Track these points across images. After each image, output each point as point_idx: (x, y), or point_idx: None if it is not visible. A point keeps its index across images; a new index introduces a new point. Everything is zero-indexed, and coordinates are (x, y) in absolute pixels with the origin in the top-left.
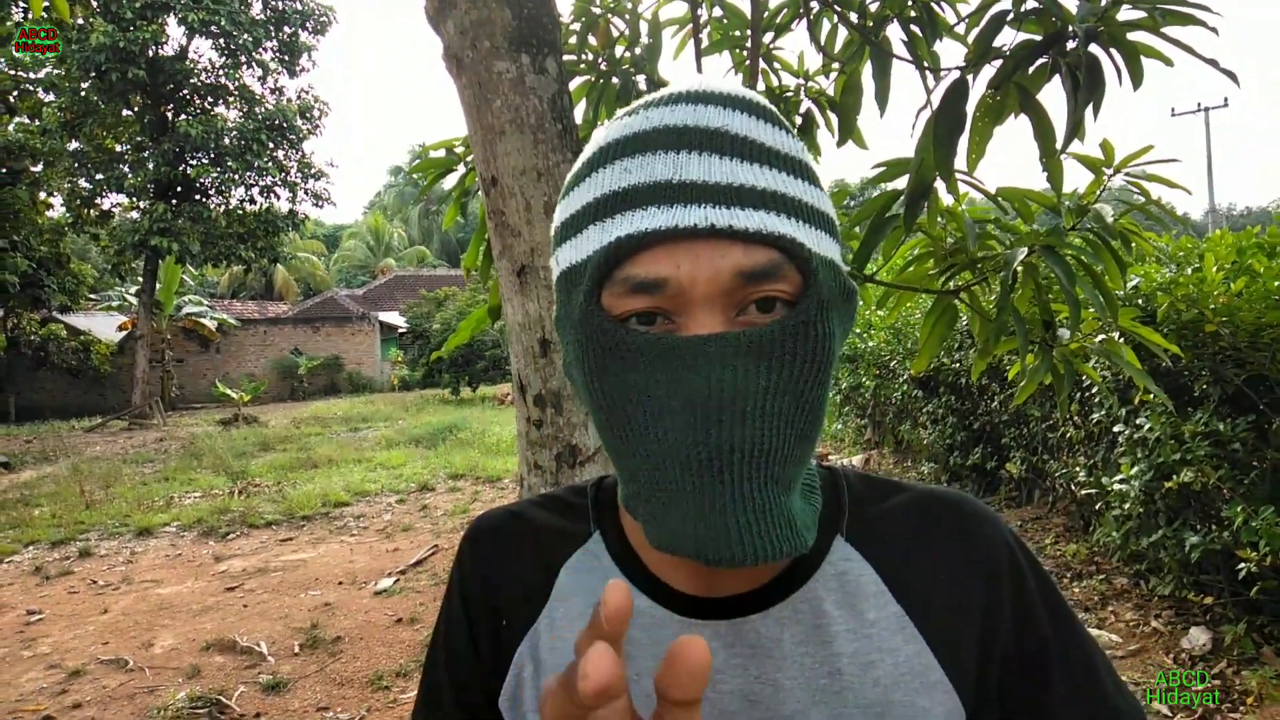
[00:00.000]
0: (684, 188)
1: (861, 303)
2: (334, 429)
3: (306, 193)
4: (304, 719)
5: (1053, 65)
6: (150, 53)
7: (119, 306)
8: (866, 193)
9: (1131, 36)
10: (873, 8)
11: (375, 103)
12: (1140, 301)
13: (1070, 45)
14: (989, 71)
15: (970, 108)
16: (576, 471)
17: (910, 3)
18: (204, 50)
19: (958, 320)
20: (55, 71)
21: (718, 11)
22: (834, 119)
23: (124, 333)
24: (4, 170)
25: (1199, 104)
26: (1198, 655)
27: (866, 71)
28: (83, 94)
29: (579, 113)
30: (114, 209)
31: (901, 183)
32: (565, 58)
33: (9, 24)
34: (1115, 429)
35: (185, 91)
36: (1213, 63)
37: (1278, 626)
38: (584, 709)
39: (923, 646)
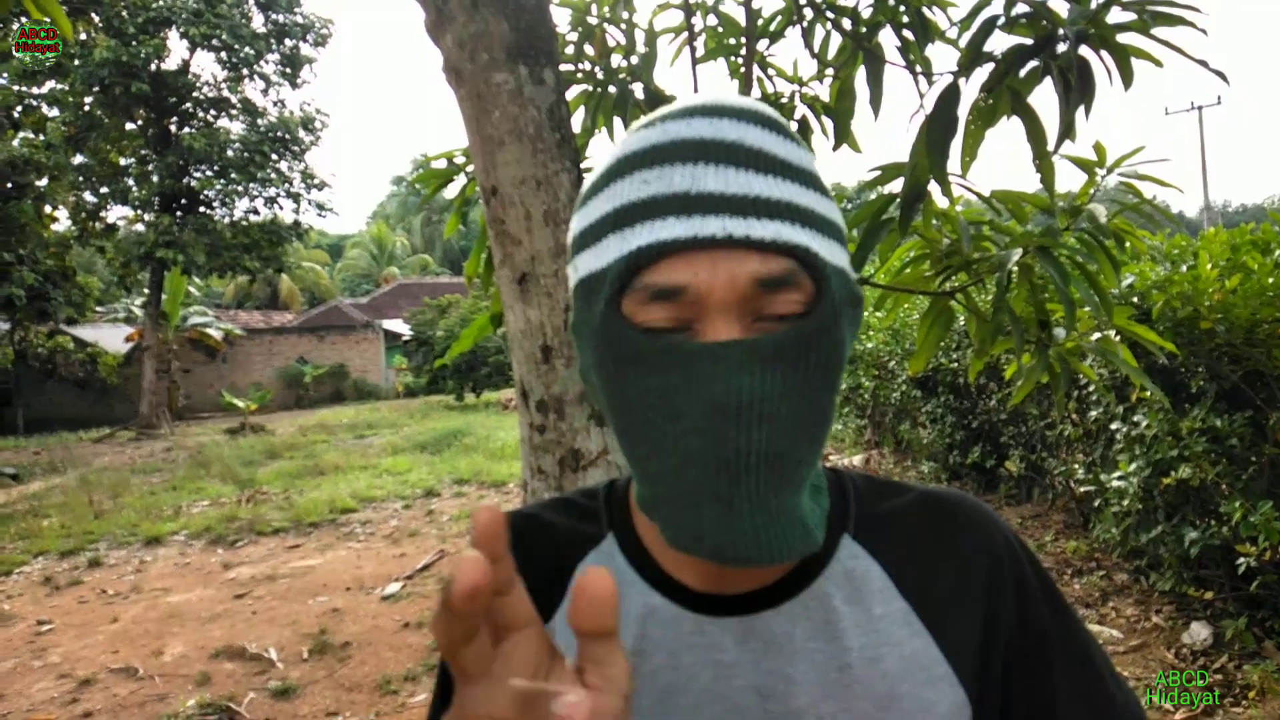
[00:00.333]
0: (702, 199)
1: None
2: (340, 436)
3: (310, 203)
4: None
5: (1044, 68)
6: (153, 67)
7: (125, 318)
8: (862, 196)
9: (1121, 38)
10: (865, 14)
11: (377, 113)
12: (1135, 300)
13: (1061, 48)
14: (981, 75)
15: (963, 111)
16: (579, 476)
17: (903, 8)
18: (206, 64)
19: (954, 321)
20: (59, 86)
21: (713, 20)
22: (829, 124)
23: (131, 344)
24: (9, 185)
25: (1192, 103)
26: (1199, 650)
27: (860, 77)
28: (86, 108)
29: (576, 122)
30: (119, 222)
31: (896, 186)
32: (562, 68)
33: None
34: (1113, 426)
35: (188, 105)
36: (1202, 63)
37: (1278, 621)
38: (461, 618)
39: (928, 641)
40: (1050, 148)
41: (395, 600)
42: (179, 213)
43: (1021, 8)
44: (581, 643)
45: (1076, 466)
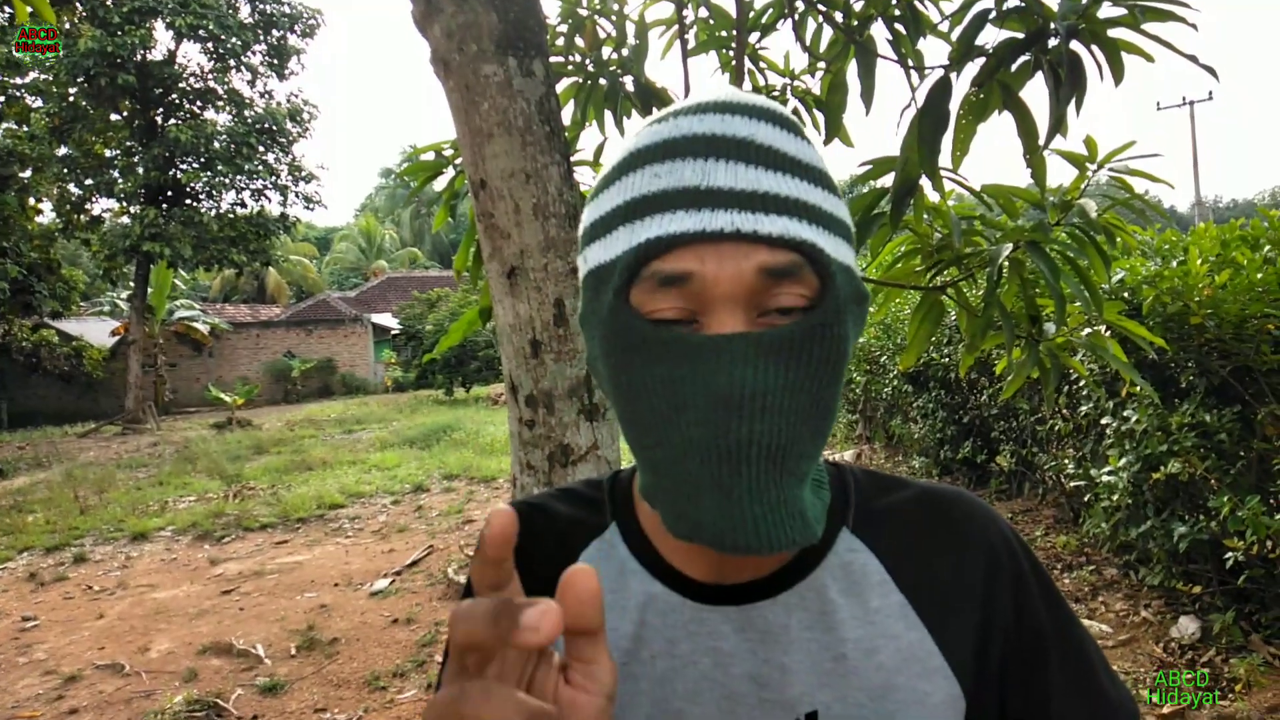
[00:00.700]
0: (711, 193)
1: None
2: (328, 431)
3: (297, 196)
4: None
5: (1035, 62)
6: (138, 57)
7: (111, 312)
8: (854, 190)
9: (1112, 33)
10: (857, 7)
11: (366, 105)
12: (1126, 295)
13: (1052, 42)
14: (972, 69)
15: (954, 106)
16: (569, 471)
17: (894, 1)
18: (192, 55)
19: (945, 316)
20: (43, 77)
21: (703, 12)
22: (820, 118)
23: (116, 338)
24: None
25: (1184, 98)
26: (1187, 644)
27: (852, 70)
28: (71, 99)
29: (566, 115)
30: (104, 214)
31: (887, 180)
32: (552, 60)
33: None
34: (1103, 421)
35: (174, 96)
36: (1192, 58)
37: (1265, 614)
38: (494, 563)
39: (924, 634)
40: (1041, 142)
41: (384, 596)
42: (165, 205)
43: (1013, 1)
44: (568, 641)
45: (1067, 461)
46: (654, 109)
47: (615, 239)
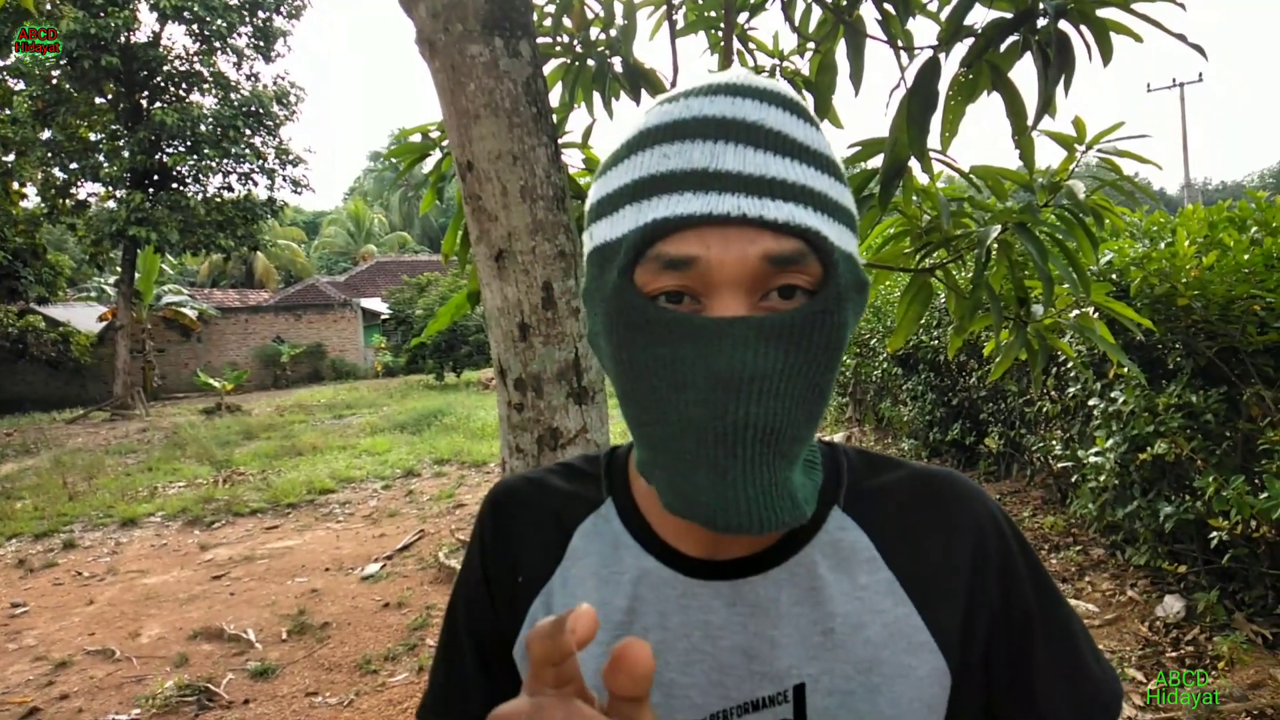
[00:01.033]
0: (719, 176)
1: None
2: (318, 416)
3: (285, 179)
4: (292, 704)
5: (1023, 42)
6: (122, 39)
7: (98, 297)
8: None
9: (1101, 13)
10: None
11: (354, 87)
12: (1114, 276)
13: (1041, 22)
14: (961, 50)
15: (943, 86)
16: (558, 454)
17: None
18: (177, 36)
19: (933, 298)
20: (25, 58)
21: None
22: (809, 98)
23: (104, 323)
24: None
25: (1174, 80)
26: (1172, 623)
27: (841, 51)
28: (54, 82)
29: (555, 96)
30: (90, 198)
31: (877, 162)
32: (540, 40)
33: None
34: (1090, 403)
35: (159, 79)
36: (1180, 37)
37: (1249, 593)
38: (564, 651)
39: (911, 610)
40: (1030, 123)
41: (375, 580)
42: (151, 189)
43: None
44: (612, 701)
45: (1054, 443)
46: (643, 90)
47: (622, 217)
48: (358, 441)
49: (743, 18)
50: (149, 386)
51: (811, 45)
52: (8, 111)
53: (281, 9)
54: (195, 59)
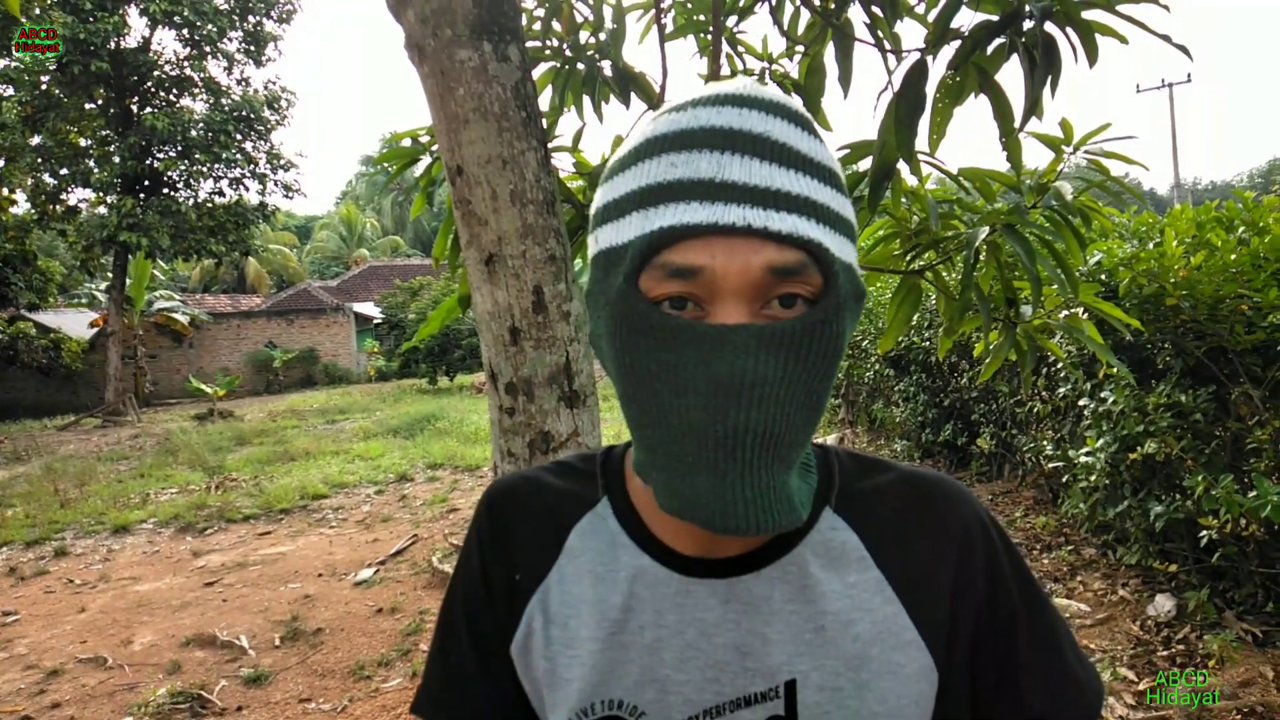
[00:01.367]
0: (725, 187)
1: None
2: (311, 421)
3: (276, 184)
4: (286, 711)
5: (1010, 45)
6: (112, 45)
7: (89, 303)
8: None
9: (1086, 15)
10: None
11: (345, 91)
12: (1103, 277)
13: (1027, 25)
14: (948, 53)
15: (931, 89)
16: (549, 458)
17: None
18: (168, 42)
19: (923, 299)
20: (13, 64)
21: None
22: (798, 102)
23: (95, 330)
24: None
25: (1162, 80)
26: (1163, 622)
27: (829, 54)
28: (43, 87)
29: (545, 100)
30: (80, 204)
31: (865, 164)
32: (530, 44)
33: None
34: (1081, 403)
35: (150, 84)
36: (1165, 38)
37: (1239, 591)
38: None
39: (899, 608)
40: (1017, 125)
41: (368, 586)
42: (142, 195)
43: None
44: None
45: (1046, 443)
46: (632, 93)
47: (628, 223)
48: (351, 446)
49: (731, 21)
50: (141, 393)
51: (800, 48)
52: None
53: (272, 13)
54: (186, 64)
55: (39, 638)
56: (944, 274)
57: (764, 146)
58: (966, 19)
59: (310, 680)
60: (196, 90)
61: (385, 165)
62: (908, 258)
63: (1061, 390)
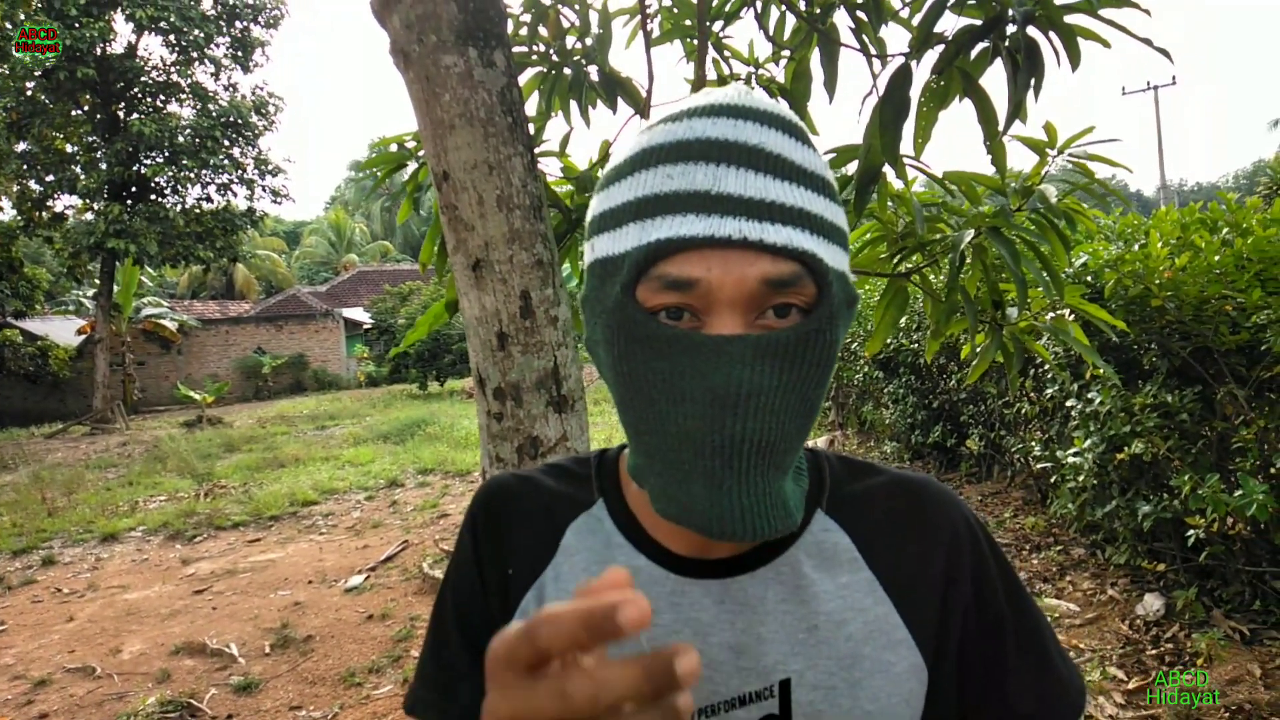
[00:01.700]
0: (721, 199)
1: None
2: (300, 428)
3: (264, 189)
4: (276, 718)
5: (993, 49)
6: (98, 50)
7: (76, 310)
8: None
9: (1069, 19)
10: None
11: (333, 97)
12: (1088, 279)
13: (1010, 29)
14: (932, 57)
15: (915, 93)
16: (538, 463)
17: None
18: (154, 47)
19: (910, 302)
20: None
21: (667, 0)
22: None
23: (82, 337)
24: None
25: (1148, 82)
26: (1151, 621)
27: (815, 58)
28: (29, 94)
29: (531, 105)
30: (67, 211)
31: (851, 168)
32: (516, 49)
33: None
34: (1068, 404)
35: (136, 90)
36: (1146, 41)
37: (1226, 589)
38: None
39: (890, 608)
40: (1001, 129)
41: (358, 592)
42: (129, 201)
43: None
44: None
45: (1034, 444)
46: (619, 99)
47: (625, 234)
48: (341, 452)
49: (717, 26)
50: (129, 400)
51: (786, 53)
52: None
53: (259, 19)
54: (172, 70)
55: (26, 648)
56: (930, 277)
57: (759, 158)
58: (950, 23)
59: (301, 688)
60: (183, 96)
61: (373, 170)
62: (894, 261)
63: (1049, 391)
